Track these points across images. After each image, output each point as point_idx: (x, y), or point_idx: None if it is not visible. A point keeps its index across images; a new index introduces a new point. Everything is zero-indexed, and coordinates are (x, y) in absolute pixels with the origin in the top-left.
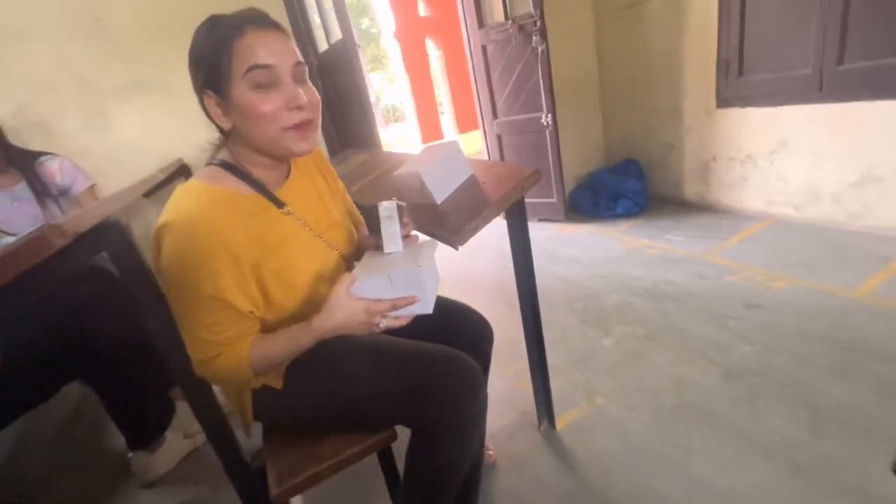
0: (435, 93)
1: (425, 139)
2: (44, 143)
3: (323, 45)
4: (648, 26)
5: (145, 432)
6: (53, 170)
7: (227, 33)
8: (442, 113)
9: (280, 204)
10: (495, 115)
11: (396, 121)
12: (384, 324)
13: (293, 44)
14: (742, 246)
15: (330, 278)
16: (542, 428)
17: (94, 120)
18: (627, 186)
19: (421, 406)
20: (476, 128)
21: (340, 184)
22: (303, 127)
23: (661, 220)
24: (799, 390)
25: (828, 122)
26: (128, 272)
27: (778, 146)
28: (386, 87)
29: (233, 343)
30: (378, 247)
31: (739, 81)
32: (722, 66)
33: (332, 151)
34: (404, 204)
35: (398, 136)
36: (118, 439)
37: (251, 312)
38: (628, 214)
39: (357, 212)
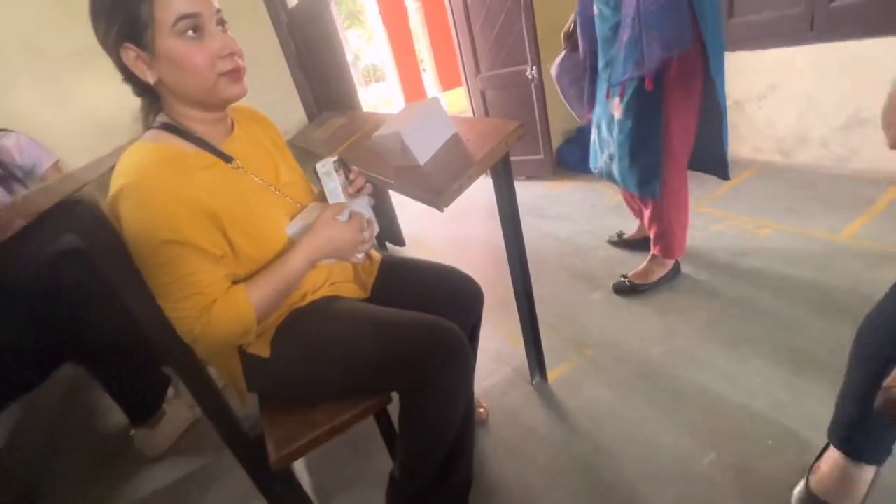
0: (416, 49)
1: (408, 99)
2: None
3: (293, 0)
4: None
5: (143, 409)
6: (10, 147)
7: None
8: (424, 70)
9: (228, 158)
10: (478, 69)
11: (377, 80)
12: (368, 234)
13: None
14: (729, 195)
15: None
16: (534, 382)
17: (51, 91)
18: None
19: (405, 374)
20: (460, 84)
21: (289, 152)
22: (236, 72)
23: None
24: (782, 333)
25: (817, 64)
26: (100, 252)
27: (767, 91)
28: (364, 45)
29: (222, 292)
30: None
31: (729, 24)
32: None
33: (310, 115)
34: (347, 162)
35: (380, 97)
36: (116, 417)
37: (223, 257)
38: None
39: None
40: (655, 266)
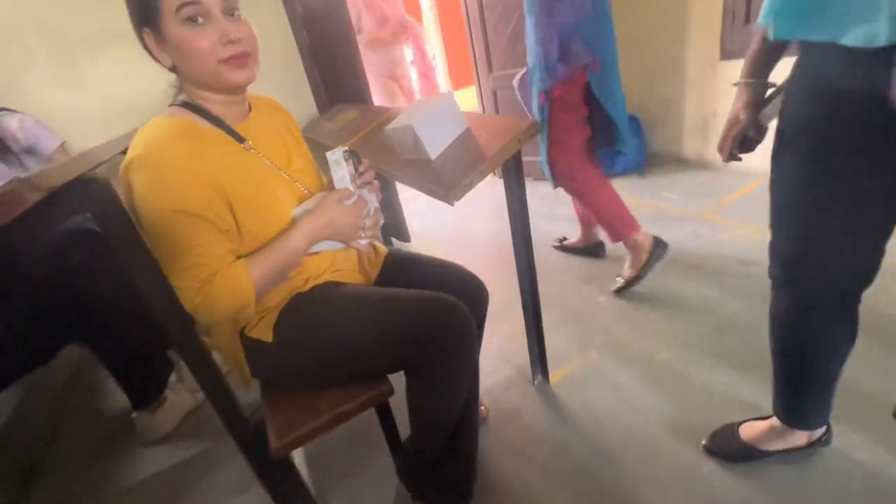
0: (427, 48)
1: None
2: (12, 101)
3: None
4: None
5: (146, 393)
6: (13, 127)
7: None
8: (435, 69)
9: (241, 139)
10: (490, 68)
11: None
12: (370, 221)
13: None
14: (738, 203)
15: None
16: (535, 382)
17: (66, 74)
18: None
19: (412, 351)
20: (470, 83)
21: (304, 143)
22: (238, 58)
23: (658, 178)
24: None
25: None
26: (112, 231)
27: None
28: None
29: (225, 266)
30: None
31: (745, 30)
32: (728, 14)
33: (322, 108)
34: (358, 153)
35: None
36: (119, 399)
37: (228, 232)
38: (626, 172)
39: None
40: (632, 253)
